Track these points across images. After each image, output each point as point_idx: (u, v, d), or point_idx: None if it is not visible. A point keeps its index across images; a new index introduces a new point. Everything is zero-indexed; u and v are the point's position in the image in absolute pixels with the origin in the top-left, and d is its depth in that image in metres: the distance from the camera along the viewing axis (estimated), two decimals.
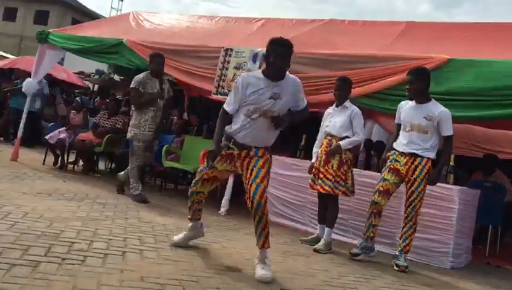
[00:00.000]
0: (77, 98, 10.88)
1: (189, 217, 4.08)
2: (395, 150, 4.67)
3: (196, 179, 3.95)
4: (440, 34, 6.46)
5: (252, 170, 3.68)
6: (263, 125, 3.71)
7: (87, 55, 8.04)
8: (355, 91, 5.46)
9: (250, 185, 3.63)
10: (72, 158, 8.18)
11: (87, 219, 4.46)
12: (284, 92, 3.71)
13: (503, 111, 4.97)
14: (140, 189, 6.00)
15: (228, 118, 3.81)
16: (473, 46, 5.77)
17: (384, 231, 4.90)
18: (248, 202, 3.63)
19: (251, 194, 3.60)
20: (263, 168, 3.69)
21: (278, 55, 3.64)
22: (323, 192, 4.94)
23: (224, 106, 3.81)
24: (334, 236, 5.11)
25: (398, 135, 4.76)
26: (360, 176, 5.31)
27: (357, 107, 5.08)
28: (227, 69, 6.47)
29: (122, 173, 6.24)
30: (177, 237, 4.07)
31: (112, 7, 33.79)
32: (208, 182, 3.92)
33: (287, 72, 3.77)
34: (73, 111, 8.63)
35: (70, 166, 8.02)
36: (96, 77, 13.97)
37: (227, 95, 6.47)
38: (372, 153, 6.77)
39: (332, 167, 4.90)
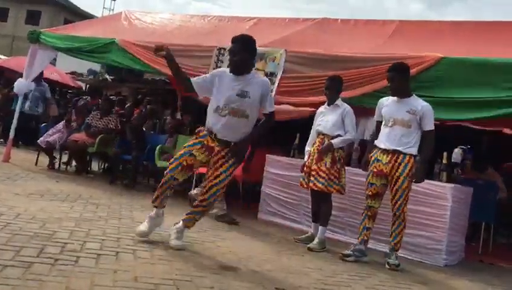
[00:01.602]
0: (80, 100, 10.76)
1: (156, 204, 4.01)
2: (377, 147, 4.66)
3: (173, 165, 3.90)
4: (432, 33, 6.49)
5: (218, 170, 3.86)
6: (234, 124, 3.87)
7: (79, 55, 7.99)
8: (351, 93, 5.48)
9: (210, 185, 3.86)
10: (65, 159, 8.13)
11: (80, 219, 4.43)
12: (251, 91, 3.85)
13: (495, 110, 5.01)
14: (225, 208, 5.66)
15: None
16: (465, 44, 5.81)
17: (380, 228, 4.90)
18: (201, 197, 3.90)
19: (207, 195, 3.87)
20: (228, 171, 3.86)
21: (230, 51, 3.96)
22: (316, 189, 4.94)
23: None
24: (328, 234, 5.12)
25: (378, 132, 4.74)
26: (355, 175, 5.32)
27: (348, 106, 5.09)
28: (220, 68, 6.45)
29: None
30: (142, 227, 4.02)
31: (104, 7, 33.73)
32: (183, 170, 3.92)
33: (255, 72, 3.98)
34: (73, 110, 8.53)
35: (63, 167, 7.98)
36: (91, 77, 13.86)
37: None
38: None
39: (325, 165, 4.90)
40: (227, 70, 4.01)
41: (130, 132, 7.82)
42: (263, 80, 4.07)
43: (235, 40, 3.94)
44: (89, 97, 11.29)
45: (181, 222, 3.99)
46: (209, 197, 3.89)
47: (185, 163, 3.88)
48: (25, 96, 10.00)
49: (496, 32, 6.13)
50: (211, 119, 3.95)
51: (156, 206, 4.04)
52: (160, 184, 3.97)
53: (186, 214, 4.03)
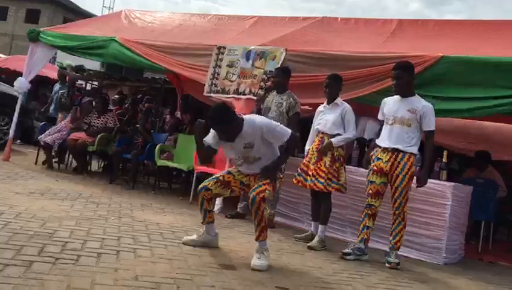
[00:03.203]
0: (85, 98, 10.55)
1: (202, 220, 4.16)
2: (378, 146, 4.66)
3: (213, 177, 4.10)
4: (432, 32, 6.50)
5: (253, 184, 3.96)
6: (251, 165, 3.99)
7: (79, 54, 7.99)
8: (352, 94, 5.49)
9: (253, 185, 3.90)
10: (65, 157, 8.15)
11: (80, 218, 4.44)
12: (252, 140, 3.85)
13: (494, 108, 5.02)
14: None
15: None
16: (464, 43, 5.81)
17: (380, 226, 4.91)
18: (248, 198, 3.88)
19: (250, 190, 3.84)
20: (261, 181, 3.91)
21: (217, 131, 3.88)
22: (316, 189, 4.95)
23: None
24: (328, 233, 5.12)
25: (380, 131, 4.74)
26: (355, 173, 5.32)
27: (348, 104, 5.09)
28: (220, 67, 6.46)
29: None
30: (189, 237, 4.16)
31: (103, 5, 33.64)
32: (220, 185, 4.03)
33: (244, 124, 3.84)
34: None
35: (62, 166, 7.98)
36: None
37: (220, 93, 6.51)
38: (366, 151, 6.78)
39: (324, 164, 4.90)
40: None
41: (145, 132, 7.77)
42: (254, 127, 3.84)
43: (212, 119, 3.80)
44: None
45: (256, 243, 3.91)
46: (252, 192, 3.80)
47: (221, 178, 4.04)
48: (51, 101, 9.95)
49: (494, 31, 6.14)
50: (233, 163, 4.12)
51: (202, 223, 4.17)
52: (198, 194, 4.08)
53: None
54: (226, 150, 4.09)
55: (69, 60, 11.49)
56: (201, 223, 4.17)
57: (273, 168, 3.96)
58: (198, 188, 4.07)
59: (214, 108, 3.87)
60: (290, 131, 3.96)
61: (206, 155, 4.13)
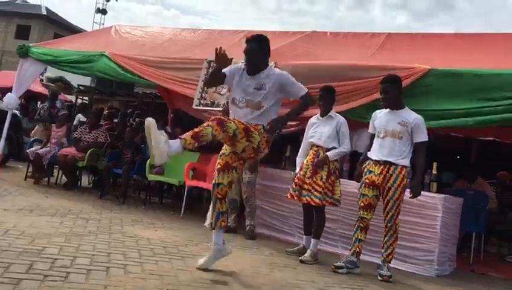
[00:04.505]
0: (63, 112, 10.48)
1: (213, 224, 3.93)
2: (370, 159, 4.67)
3: (214, 174, 3.96)
4: (420, 45, 6.57)
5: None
6: (248, 114, 3.91)
7: (68, 68, 7.97)
8: (342, 107, 5.50)
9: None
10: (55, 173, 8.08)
11: (70, 234, 4.39)
12: (267, 83, 3.91)
13: (483, 118, 5.06)
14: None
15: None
16: (453, 56, 5.88)
17: (372, 239, 4.90)
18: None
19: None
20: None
21: (245, 51, 4.04)
22: (313, 204, 4.90)
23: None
24: (320, 246, 5.10)
25: (371, 144, 4.75)
26: (346, 186, 5.31)
27: (342, 117, 5.09)
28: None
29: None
30: (202, 260, 3.85)
31: (94, 21, 33.71)
32: (224, 172, 3.87)
33: (271, 68, 4.05)
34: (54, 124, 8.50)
35: (52, 181, 7.91)
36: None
37: (209, 106, 6.51)
38: (358, 164, 6.78)
39: (321, 179, 4.86)
40: (241, 65, 4.07)
41: (126, 146, 7.74)
42: (279, 72, 4.05)
43: (251, 39, 4.03)
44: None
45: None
46: None
47: (219, 166, 3.89)
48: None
49: (482, 44, 6.22)
50: (231, 110, 4.05)
51: (213, 229, 3.96)
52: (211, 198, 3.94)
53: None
54: (234, 87, 4.02)
55: (50, 73, 11.37)
56: (212, 229, 3.92)
57: (282, 119, 4.00)
58: (212, 185, 3.90)
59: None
60: (306, 90, 4.04)
61: (214, 78, 4.08)
